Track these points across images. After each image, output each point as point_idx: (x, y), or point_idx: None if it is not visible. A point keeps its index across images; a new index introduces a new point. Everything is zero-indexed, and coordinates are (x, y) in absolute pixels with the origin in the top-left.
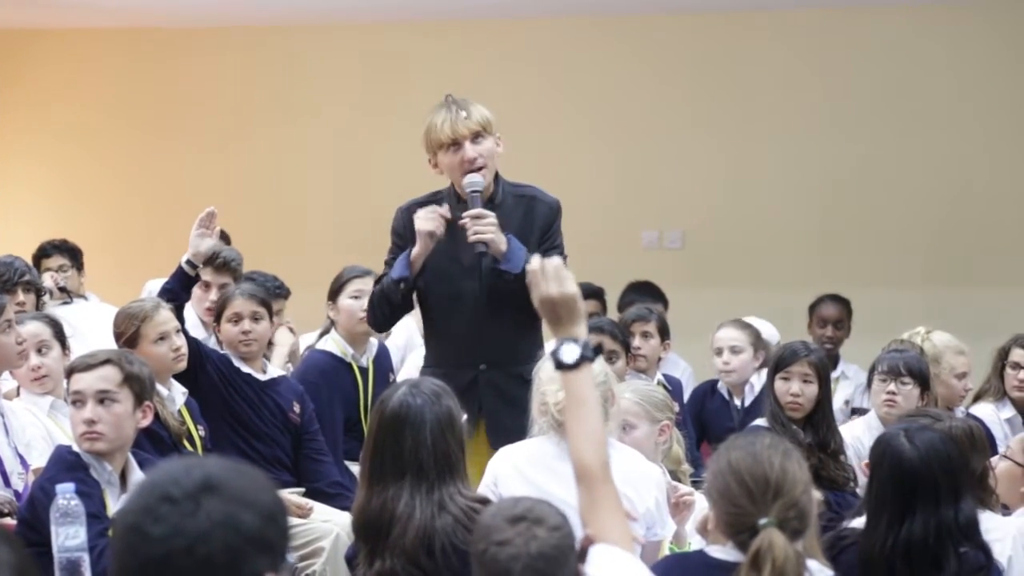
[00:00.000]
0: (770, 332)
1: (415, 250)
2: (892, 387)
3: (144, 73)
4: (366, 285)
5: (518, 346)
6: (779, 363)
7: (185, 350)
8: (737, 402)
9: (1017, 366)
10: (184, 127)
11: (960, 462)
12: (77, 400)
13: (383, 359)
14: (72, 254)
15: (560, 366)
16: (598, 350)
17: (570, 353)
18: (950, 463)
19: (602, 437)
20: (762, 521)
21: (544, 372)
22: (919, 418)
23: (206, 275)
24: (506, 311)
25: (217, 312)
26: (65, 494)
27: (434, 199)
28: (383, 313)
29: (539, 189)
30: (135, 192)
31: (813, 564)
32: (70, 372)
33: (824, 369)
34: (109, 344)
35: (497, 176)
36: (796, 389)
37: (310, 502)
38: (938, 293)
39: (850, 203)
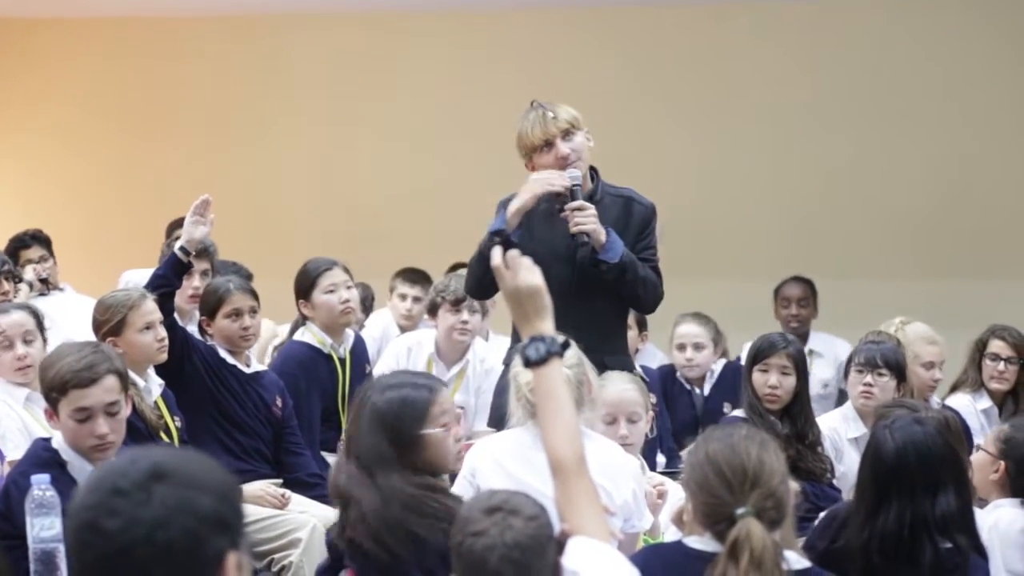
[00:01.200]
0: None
1: (514, 203)
2: (869, 379)
3: (120, 65)
4: (337, 277)
5: (606, 335)
6: (757, 355)
7: (167, 342)
8: (698, 391)
9: (995, 357)
10: (160, 119)
11: (941, 456)
12: (86, 417)
13: (360, 350)
14: (48, 244)
15: (528, 363)
16: (566, 344)
17: (536, 350)
18: (929, 456)
19: (575, 430)
20: (740, 511)
21: (517, 356)
22: (895, 409)
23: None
24: (597, 300)
25: (210, 306)
26: (40, 485)
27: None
28: (475, 275)
29: (635, 191)
30: (108, 183)
31: (790, 554)
32: (64, 387)
33: (802, 361)
34: (87, 335)
35: (596, 174)
36: (774, 381)
37: (288, 492)
38: (914, 285)
39: (827, 195)
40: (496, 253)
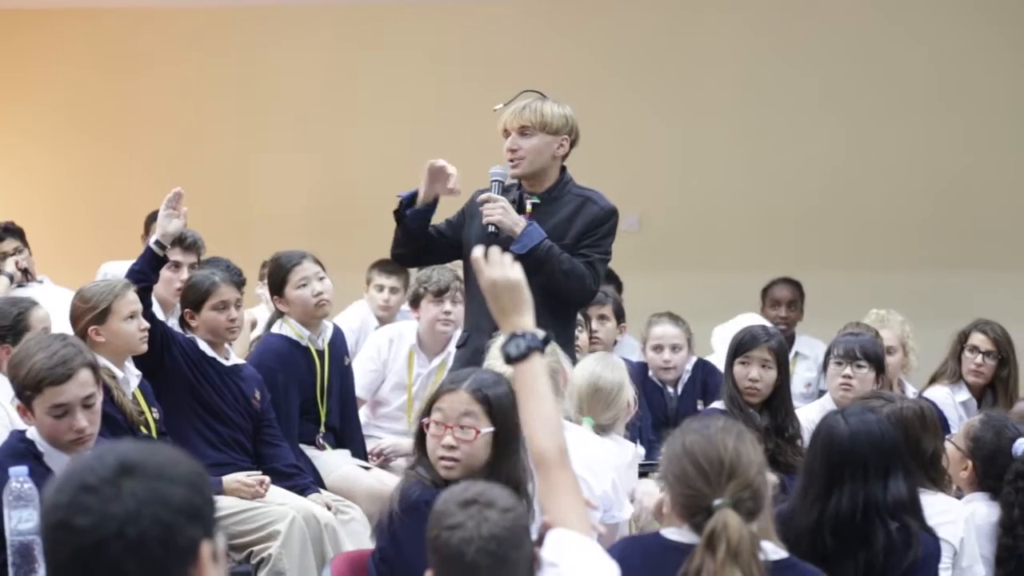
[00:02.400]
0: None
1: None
2: (848, 371)
3: (92, 55)
4: (308, 270)
5: (541, 327)
6: (738, 348)
7: (148, 332)
8: (671, 390)
9: (975, 350)
10: (133, 110)
11: (893, 442)
12: (63, 412)
13: (338, 342)
14: (22, 236)
15: (508, 360)
16: (547, 339)
17: (516, 346)
18: (881, 442)
19: (556, 423)
20: (717, 502)
21: (493, 348)
22: (872, 400)
23: (175, 255)
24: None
25: (195, 299)
26: (18, 477)
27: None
28: (394, 240)
29: (601, 195)
30: (79, 176)
31: (767, 545)
32: (39, 385)
33: (783, 354)
34: (65, 327)
35: (563, 174)
36: (755, 374)
37: (266, 478)
38: (899, 277)
39: (806, 186)
40: (477, 249)
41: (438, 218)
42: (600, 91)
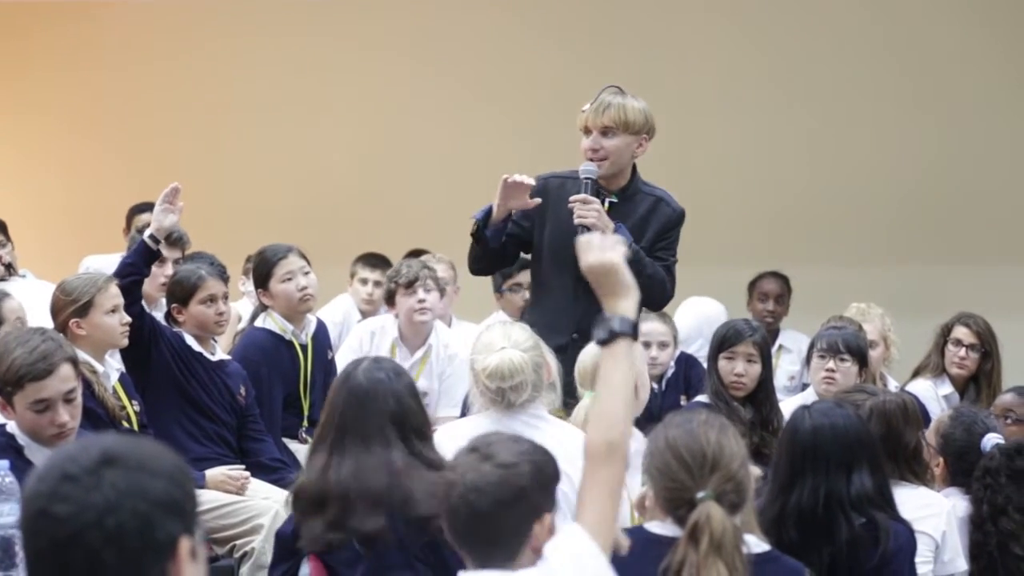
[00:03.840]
0: (718, 311)
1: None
2: (831, 364)
3: (72, 52)
4: (293, 264)
5: None
6: (723, 342)
7: (129, 327)
8: (655, 386)
9: (958, 343)
10: (110, 103)
11: (858, 436)
12: (45, 407)
13: (322, 336)
14: (4, 230)
15: (598, 342)
16: (634, 326)
17: (603, 329)
18: (844, 436)
19: (615, 418)
20: (700, 495)
21: (481, 340)
22: (855, 394)
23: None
24: None
25: (182, 294)
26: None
27: (573, 175)
28: (470, 264)
29: (670, 195)
30: (59, 171)
31: (751, 538)
32: (20, 381)
33: (767, 348)
34: (46, 321)
35: (635, 173)
36: (740, 369)
37: (246, 473)
38: (883, 271)
39: (789, 181)
40: (584, 235)
41: None
42: (582, 86)
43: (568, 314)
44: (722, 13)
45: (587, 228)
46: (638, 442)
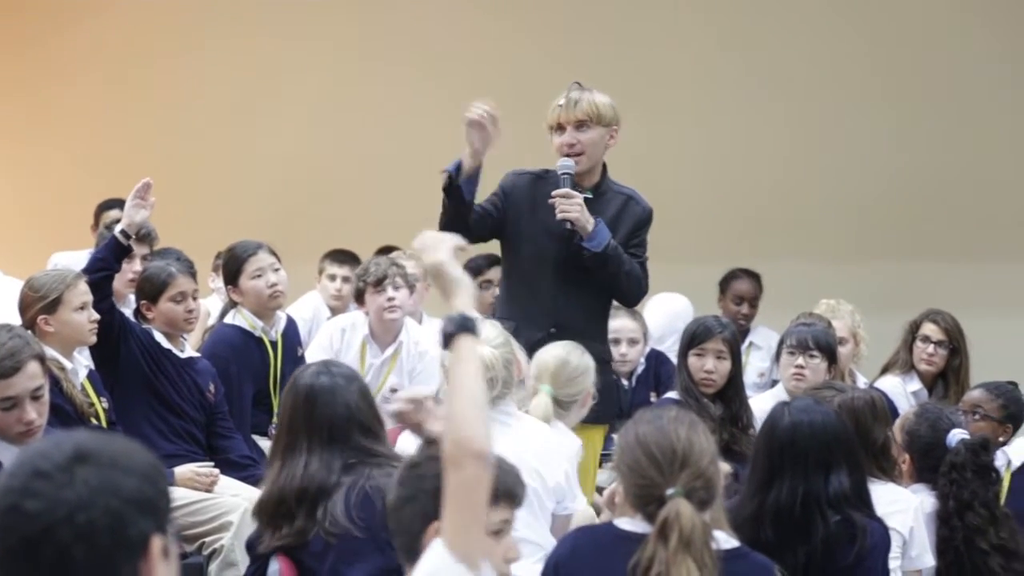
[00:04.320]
0: (685, 306)
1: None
2: (800, 361)
3: (28, 43)
4: (263, 261)
5: (588, 320)
6: (693, 339)
7: (97, 324)
8: (625, 383)
9: (926, 339)
10: (80, 97)
11: (836, 435)
12: (12, 405)
13: (291, 333)
14: None
15: (443, 345)
16: (466, 323)
17: (444, 329)
18: (823, 434)
19: (463, 419)
20: (669, 491)
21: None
22: (824, 390)
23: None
24: (583, 284)
25: (152, 291)
26: None
27: (545, 173)
28: (440, 221)
29: (637, 192)
30: (25, 167)
31: (720, 534)
32: None
33: (737, 345)
34: (14, 318)
35: (605, 171)
36: (710, 366)
37: (215, 471)
38: (846, 267)
39: (759, 178)
40: (416, 241)
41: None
42: (553, 83)
43: (546, 308)
44: (695, 11)
45: (571, 223)
46: None
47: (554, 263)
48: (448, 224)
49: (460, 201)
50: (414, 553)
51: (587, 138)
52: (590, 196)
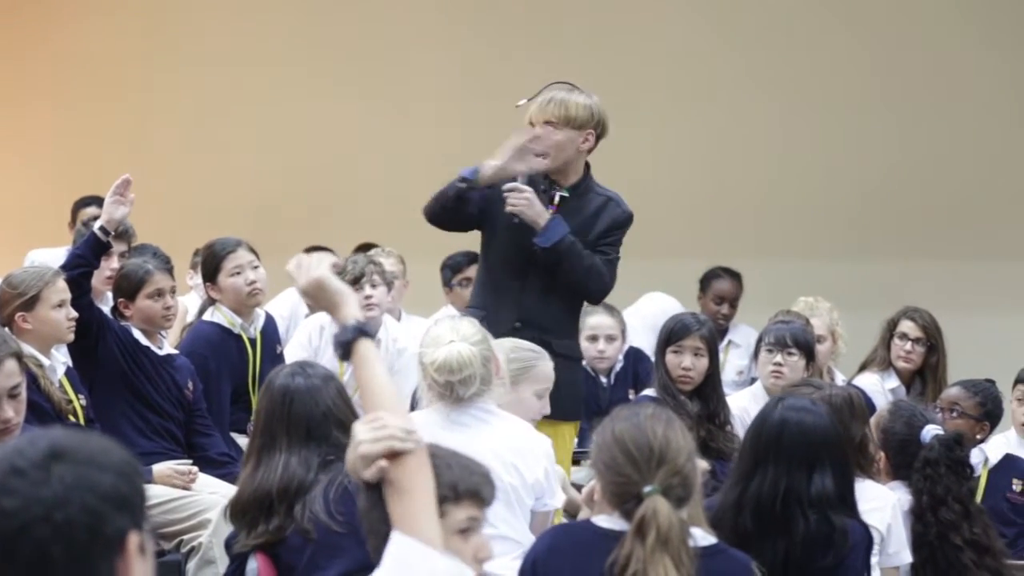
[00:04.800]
0: (675, 308)
1: (494, 161)
2: (779, 358)
3: (3, 37)
4: (242, 259)
5: (553, 317)
6: (670, 336)
7: (75, 322)
8: (603, 379)
9: (903, 337)
10: (53, 98)
11: (824, 437)
12: None
13: (270, 330)
14: None
15: (344, 359)
16: (361, 329)
17: (339, 347)
18: (811, 434)
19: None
20: (647, 489)
21: (430, 334)
22: (801, 388)
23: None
24: (549, 281)
25: (129, 288)
26: None
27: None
28: (432, 208)
29: (620, 196)
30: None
31: (697, 531)
32: None
33: (714, 341)
34: None
35: (588, 171)
36: (688, 363)
37: (194, 468)
38: (825, 265)
39: (739, 176)
40: (292, 261)
41: None
42: (528, 80)
43: (512, 303)
44: (675, 6)
45: (518, 217)
46: None
47: (522, 259)
48: (444, 212)
49: (462, 205)
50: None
51: (553, 139)
52: (566, 195)
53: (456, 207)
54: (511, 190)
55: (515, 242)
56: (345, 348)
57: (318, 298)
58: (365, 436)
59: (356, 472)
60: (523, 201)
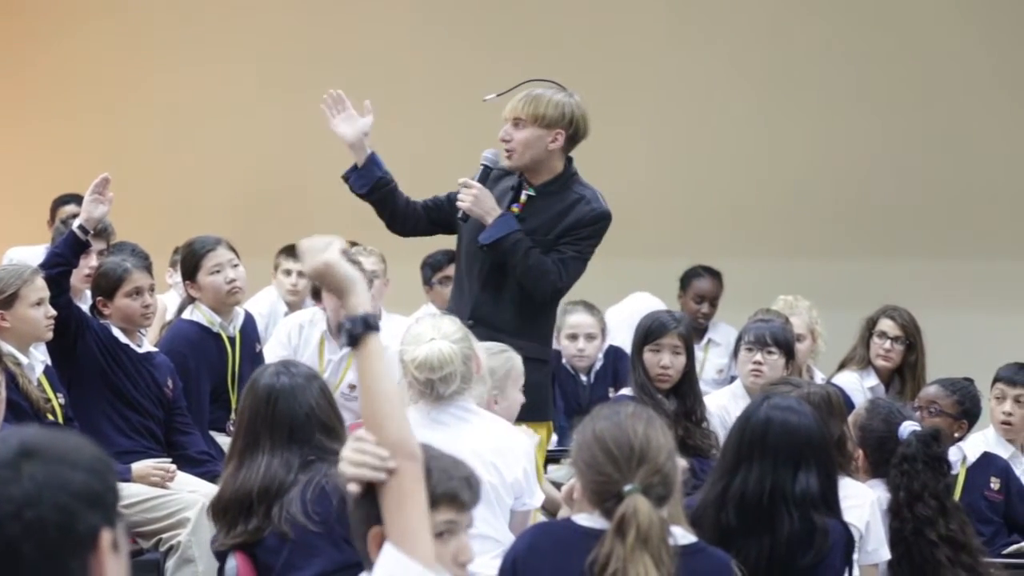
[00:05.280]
0: (655, 304)
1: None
2: (758, 357)
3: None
4: (222, 257)
5: (503, 314)
6: (648, 335)
7: (54, 320)
8: (584, 377)
9: (883, 335)
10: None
11: (808, 437)
12: None
13: (250, 328)
14: None
15: (349, 347)
16: (367, 321)
17: (343, 334)
18: (795, 434)
19: (383, 419)
20: (627, 487)
21: (411, 332)
22: (780, 386)
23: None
24: (503, 279)
25: (108, 286)
26: None
27: (502, 171)
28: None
29: (599, 195)
30: None
31: (677, 529)
32: None
33: (691, 339)
34: None
35: (568, 168)
36: (667, 361)
37: (172, 466)
38: (805, 263)
39: (721, 173)
40: (300, 244)
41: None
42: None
43: (469, 301)
44: (652, 8)
45: (465, 213)
46: None
47: (477, 256)
48: (381, 218)
49: (365, 197)
50: (364, 556)
51: (520, 136)
52: (532, 194)
53: (384, 209)
54: (462, 185)
55: (472, 239)
56: (352, 339)
57: (326, 281)
58: (346, 455)
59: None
60: (470, 198)
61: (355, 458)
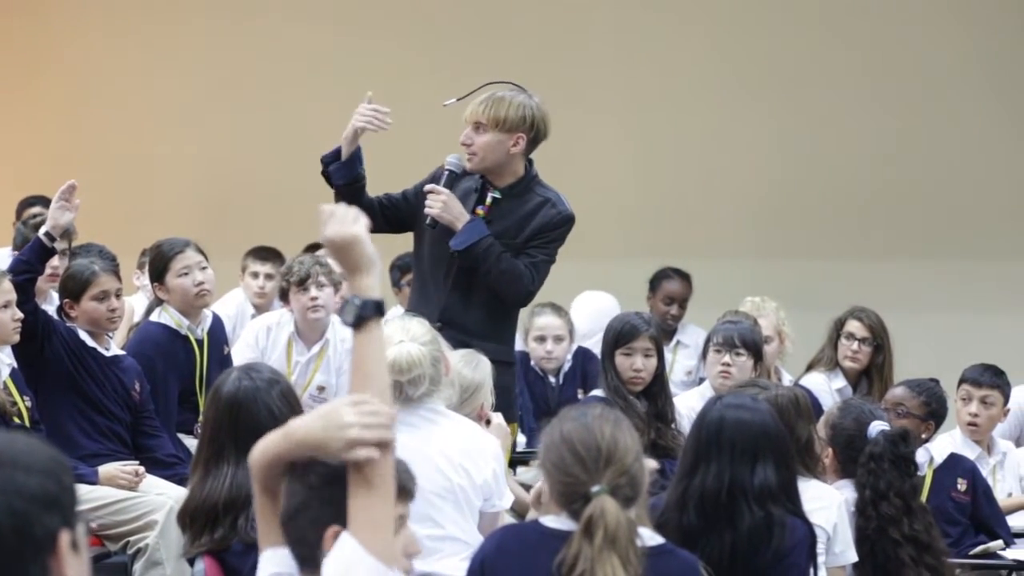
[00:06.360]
0: (612, 304)
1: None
2: (727, 358)
3: None
4: (190, 259)
5: (472, 317)
6: (619, 338)
7: (21, 324)
8: (552, 379)
9: (850, 336)
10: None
11: (764, 431)
12: None
13: (218, 331)
14: None
15: (349, 326)
16: (379, 306)
17: (349, 311)
18: (750, 428)
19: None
20: (594, 489)
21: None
22: (748, 388)
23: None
24: (473, 283)
25: (75, 289)
26: None
27: (462, 173)
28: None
29: (562, 198)
30: None
31: (645, 531)
32: None
33: (661, 340)
34: None
35: (528, 170)
36: (639, 364)
37: (140, 469)
38: (772, 265)
39: (688, 174)
40: (326, 206)
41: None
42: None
43: (436, 304)
44: (622, 5)
45: (433, 219)
46: None
47: (445, 260)
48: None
49: (337, 188)
50: (313, 562)
51: (481, 140)
52: (498, 197)
53: (351, 204)
54: (429, 191)
55: (439, 243)
56: (358, 320)
57: (345, 255)
58: (354, 419)
59: (329, 452)
60: (439, 204)
61: (366, 420)
